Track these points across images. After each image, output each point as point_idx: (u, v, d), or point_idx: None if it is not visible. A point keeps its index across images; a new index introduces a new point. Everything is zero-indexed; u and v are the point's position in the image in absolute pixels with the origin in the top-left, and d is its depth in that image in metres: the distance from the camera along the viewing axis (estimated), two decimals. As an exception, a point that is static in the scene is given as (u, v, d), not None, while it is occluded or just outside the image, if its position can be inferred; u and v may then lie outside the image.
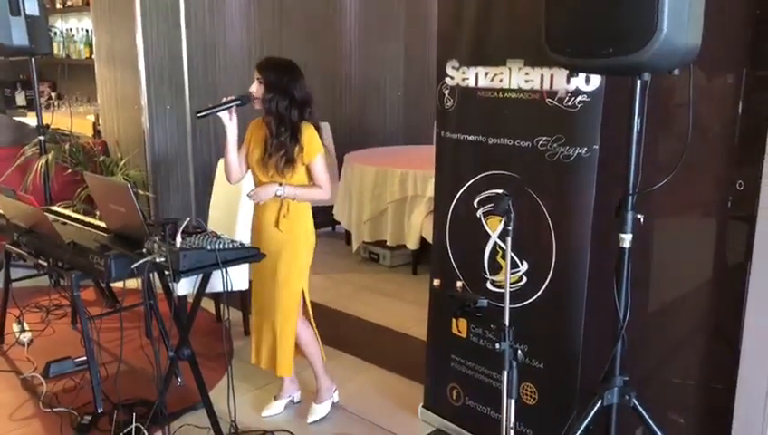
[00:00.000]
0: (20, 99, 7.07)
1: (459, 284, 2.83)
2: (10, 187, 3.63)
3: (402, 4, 6.74)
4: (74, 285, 3.05)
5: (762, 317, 2.22)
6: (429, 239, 4.89)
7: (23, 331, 3.90)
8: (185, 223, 2.51)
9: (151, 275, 3.11)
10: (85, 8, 6.10)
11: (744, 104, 2.39)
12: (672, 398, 2.61)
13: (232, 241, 2.63)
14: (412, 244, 5.08)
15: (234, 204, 3.78)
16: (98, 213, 4.46)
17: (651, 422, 2.15)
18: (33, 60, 4.46)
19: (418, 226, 4.99)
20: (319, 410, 3.16)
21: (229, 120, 2.80)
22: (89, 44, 6.14)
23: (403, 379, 3.55)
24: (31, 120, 5.68)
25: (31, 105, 6.84)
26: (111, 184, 3.30)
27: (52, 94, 7.05)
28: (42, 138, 4.63)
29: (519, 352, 1.98)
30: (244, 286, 3.69)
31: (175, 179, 5.16)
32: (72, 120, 4.91)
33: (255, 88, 2.81)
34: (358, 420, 3.16)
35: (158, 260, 2.43)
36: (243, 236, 3.50)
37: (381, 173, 5.16)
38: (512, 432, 2.05)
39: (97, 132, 5.65)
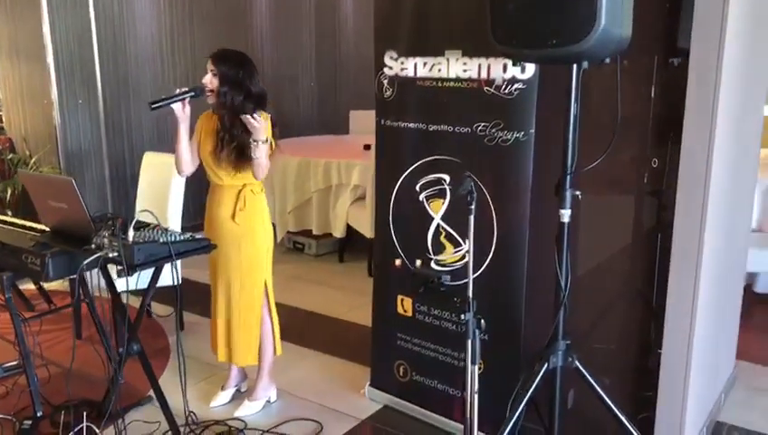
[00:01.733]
0: None
1: (398, 261, 2.95)
2: None
3: (312, -5, 6.80)
4: (6, 287, 2.94)
5: (682, 279, 2.48)
6: (356, 227, 5.03)
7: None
8: (136, 217, 2.49)
9: (90, 273, 3.05)
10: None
11: (656, 88, 2.65)
12: (599, 359, 2.85)
13: (181, 234, 2.63)
14: (338, 232, 5.17)
15: (162, 196, 3.74)
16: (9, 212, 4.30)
17: (593, 381, 2.36)
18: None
19: (344, 214, 5.09)
20: (249, 407, 3.14)
21: (182, 112, 2.78)
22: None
23: (345, 362, 3.65)
24: None
25: None
26: (53, 180, 3.20)
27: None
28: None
29: (482, 321, 2.13)
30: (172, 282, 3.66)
31: (90, 175, 5.01)
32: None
33: (209, 80, 2.79)
34: (306, 404, 3.23)
35: (110, 255, 2.40)
36: (174, 227, 3.48)
37: (304, 163, 5.21)
38: (476, 397, 2.20)
39: (-3, 129, 5.38)
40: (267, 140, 2.78)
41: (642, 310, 2.90)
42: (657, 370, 2.66)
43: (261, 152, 2.77)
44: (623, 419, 2.36)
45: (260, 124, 2.71)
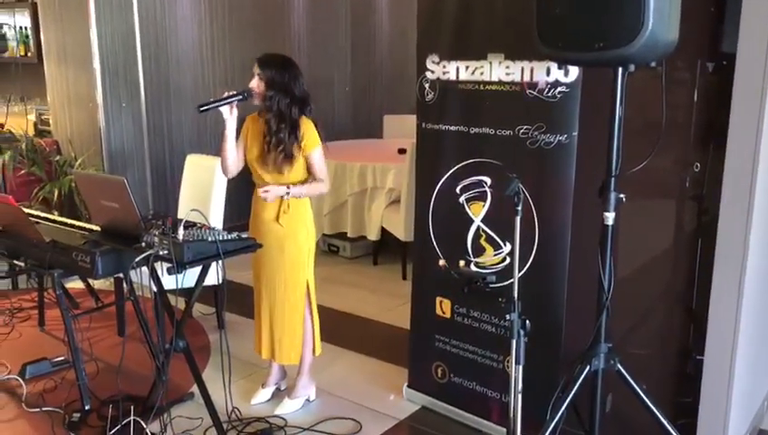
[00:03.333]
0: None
1: (442, 261, 2.98)
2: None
3: (348, 1, 6.85)
4: (57, 284, 3.04)
5: (726, 284, 2.46)
6: (390, 230, 5.07)
7: (-11, 334, 3.82)
8: (186, 216, 2.56)
9: (136, 272, 3.13)
10: (19, 4, 5.93)
11: (699, 92, 2.65)
12: (636, 364, 2.85)
13: (228, 233, 2.70)
14: (373, 235, 5.20)
15: (204, 197, 3.82)
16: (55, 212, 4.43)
17: (634, 384, 2.36)
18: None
19: (379, 217, 5.12)
20: (289, 405, 3.19)
21: (229, 115, 2.83)
22: (24, 42, 5.97)
23: (381, 362, 3.69)
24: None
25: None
26: (105, 180, 3.29)
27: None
28: (-4, 139, 4.51)
29: (527, 322, 2.15)
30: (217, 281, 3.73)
31: (132, 176, 5.11)
32: (8, 120, 4.80)
33: (255, 84, 2.85)
34: (344, 403, 3.27)
35: (161, 253, 2.47)
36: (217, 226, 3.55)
37: (340, 167, 5.26)
38: (519, 397, 2.22)
39: (39, 132, 5.52)
40: (289, 193, 2.89)
41: (681, 315, 2.89)
42: (696, 376, 2.65)
43: (299, 196, 2.93)
44: (666, 423, 2.35)
45: (271, 193, 2.88)
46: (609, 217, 2.27)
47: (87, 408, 3.06)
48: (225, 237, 2.62)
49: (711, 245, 2.52)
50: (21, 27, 5.95)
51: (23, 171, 4.79)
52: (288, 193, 2.88)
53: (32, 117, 5.64)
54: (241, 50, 5.68)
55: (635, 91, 2.52)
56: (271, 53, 2.93)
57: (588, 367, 2.36)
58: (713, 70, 2.63)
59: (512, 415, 2.31)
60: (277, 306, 3.04)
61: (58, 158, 4.97)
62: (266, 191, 2.87)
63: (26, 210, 3.62)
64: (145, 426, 2.83)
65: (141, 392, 3.08)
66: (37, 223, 3.26)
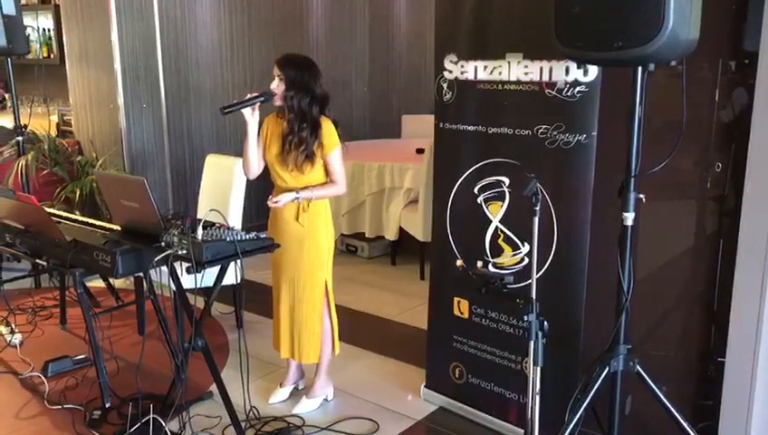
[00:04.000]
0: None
1: (459, 262, 2.97)
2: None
3: (366, 2, 6.86)
4: (78, 283, 3.08)
5: (748, 285, 2.43)
6: (408, 230, 5.07)
7: (12, 332, 3.87)
8: (205, 216, 2.58)
9: (155, 271, 3.16)
10: (42, 7, 6.02)
11: (720, 91, 2.62)
12: (656, 365, 2.82)
13: (246, 233, 2.71)
14: (391, 235, 5.21)
15: (224, 197, 3.85)
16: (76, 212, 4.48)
17: (654, 386, 2.34)
18: (9, 60, 4.40)
19: (397, 217, 5.13)
20: (307, 405, 3.21)
21: (251, 116, 2.85)
22: (47, 44, 6.06)
23: (398, 362, 3.69)
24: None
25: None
26: (125, 180, 3.34)
27: (6, 95, 6.90)
28: (20, 139, 4.57)
29: (545, 323, 2.14)
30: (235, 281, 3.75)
31: (152, 176, 5.16)
32: (31, 120, 4.87)
33: (276, 85, 2.86)
34: (362, 403, 3.28)
35: (180, 252, 2.50)
36: (235, 227, 3.57)
37: (358, 167, 5.27)
38: (537, 398, 2.21)
39: (61, 133, 5.60)
40: (298, 196, 2.90)
41: (702, 316, 2.85)
42: (717, 378, 2.62)
43: (311, 199, 2.93)
44: (686, 426, 2.33)
45: (280, 201, 2.89)
46: (629, 217, 2.25)
47: (107, 406, 3.09)
48: (244, 237, 2.63)
49: (733, 245, 2.49)
50: (44, 29, 6.05)
51: (45, 171, 4.85)
52: (298, 197, 2.89)
53: (54, 118, 5.73)
54: (260, 51, 5.72)
55: (655, 89, 2.51)
56: (290, 54, 2.95)
57: (607, 368, 2.34)
58: (735, 68, 2.60)
59: (529, 416, 2.30)
60: (296, 305, 3.06)
61: (80, 158, 5.04)
62: (276, 202, 2.91)
63: (48, 210, 3.67)
64: (164, 424, 2.86)
65: (161, 391, 3.11)
66: (59, 222, 3.29)
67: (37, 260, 3.28)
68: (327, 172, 2.97)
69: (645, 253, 2.71)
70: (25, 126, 4.63)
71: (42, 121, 5.46)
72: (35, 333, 4.01)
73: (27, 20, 6.38)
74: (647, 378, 2.34)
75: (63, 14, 5.29)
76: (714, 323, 2.75)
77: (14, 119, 4.61)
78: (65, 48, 5.36)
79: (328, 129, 2.90)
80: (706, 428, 2.61)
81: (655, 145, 2.33)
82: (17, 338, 3.84)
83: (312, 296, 3.04)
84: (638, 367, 2.34)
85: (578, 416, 2.32)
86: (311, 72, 2.87)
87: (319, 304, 3.06)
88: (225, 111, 2.81)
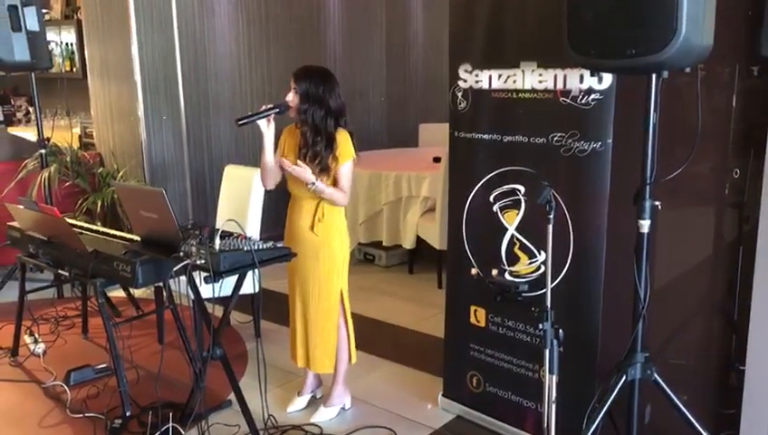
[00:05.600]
0: (-3, 114, 7.06)
1: (474, 270, 2.98)
2: (10, 200, 3.69)
3: (383, 11, 6.91)
4: (99, 292, 3.12)
5: (767, 292, 2.41)
6: (425, 238, 5.07)
7: (36, 342, 3.93)
8: (223, 226, 2.61)
9: (174, 281, 3.20)
10: (65, 22, 6.14)
11: (737, 98, 2.60)
12: (675, 374, 2.80)
13: (263, 242, 2.74)
14: (408, 243, 5.21)
15: (242, 207, 3.89)
16: (98, 223, 4.54)
17: (672, 395, 2.32)
18: (32, 74, 4.49)
19: (414, 225, 5.13)
20: (325, 414, 3.22)
21: (267, 128, 2.88)
22: (70, 58, 6.17)
23: (416, 371, 3.69)
24: (24, 133, 5.71)
25: (8, 120, 6.86)
26: (145, 191, 3.38)
27: (30, 109, 7.03)
28: (43, 151, 4.65)
29: (560, 331, 2.13)
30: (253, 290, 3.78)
31: (172, 187, 5.23)
32: (54, 133, 4.95)
33: (291, 97, 2.89)
34: (379, 412, 3.28)
35: (198, 262, 2.53)
36: (253, 236, 3.60)
37: (375, 176, 5.29)
38: (553, 406, 2.20)
39: (84, 145, 5.69)
40: (315, 184, 2.86)
41: (722, 324, 2.83)
42: (738, 386, 2.59)
43: (320, 193, 2.89)
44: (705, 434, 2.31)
45: (301, 170, 2.83)
46: (645, 224, 2.24)
47: (128, 414, 3.12)
48: (261, 247, 2.66)
49: (752, 253, 2.47)
50: (67, 44, 6.18)
51: (67, 183, 4.94)
52: (314, 184, 2.86)
53: (76, 130, 5.83)
54: (278, 61, 5.78)
55: (671, 96, 2.50)
56: (307, 66, 2.95)
57: (624, 377, 2.32)
58: (753, 74, 2.59)
59: (546, 425, 2.29)
60: (311, 315, 3.07)
61: (101, 170, 5.12)
62: (295, 164, 2.85)
63: (70, 221, 3.74)
64: (183, 432, 2.89)
65: (180, 399, 3.14)
66: (81, 233, 3.35)
67: (59, 270, 3.34)
68: (334, 180, 2.96)
69: (663, 260, 2.70)
70: (48, 139, 4.71)
71: (64, 134, 5.56)
72: (58, 342, 4.07)
73: (51, 35, 6.52)
74: (664, 386, 2.32)
75: (86, 29, 5.39)
76: (734, 331, 2.73)
77: (38, 132, 4.69)
78: (87, 62, 5.46)
79: (343, 140, 2.92)
80: (728, 437, 2.58)
81: (671, 153, 2.32)
82: (40, 347, 3.91)
83: (327, 305, 3.06)
84: (656, 375, 2.32)
85: (595, 425, 2.30)
86: (326, 85, 2.87)
87: (334, 314, 3.08)
88: (240, 123, 2.85)
